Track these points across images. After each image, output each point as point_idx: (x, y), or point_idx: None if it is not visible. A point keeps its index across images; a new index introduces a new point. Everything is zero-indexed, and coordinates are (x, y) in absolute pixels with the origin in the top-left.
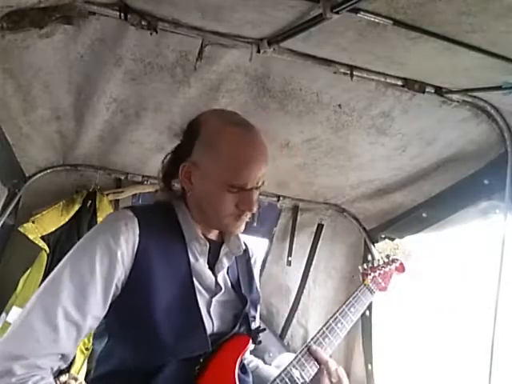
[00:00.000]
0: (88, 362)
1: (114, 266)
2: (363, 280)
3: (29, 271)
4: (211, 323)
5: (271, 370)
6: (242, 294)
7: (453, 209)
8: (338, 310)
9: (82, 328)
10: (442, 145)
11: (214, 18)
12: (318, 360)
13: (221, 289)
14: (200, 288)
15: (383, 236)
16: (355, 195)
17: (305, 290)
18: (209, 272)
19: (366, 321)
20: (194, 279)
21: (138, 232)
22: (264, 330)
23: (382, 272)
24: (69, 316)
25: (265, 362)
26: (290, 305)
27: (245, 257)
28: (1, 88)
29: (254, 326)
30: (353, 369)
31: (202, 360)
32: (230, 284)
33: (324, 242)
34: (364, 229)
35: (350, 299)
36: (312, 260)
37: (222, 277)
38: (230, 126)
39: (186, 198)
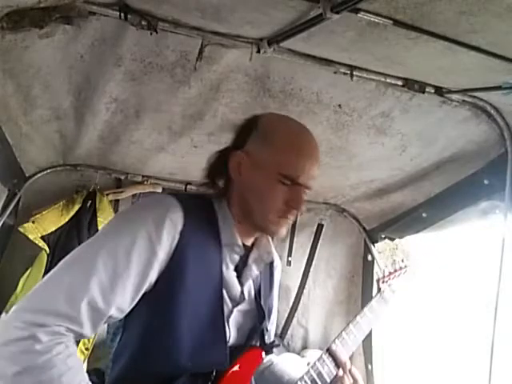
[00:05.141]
0: (88, 362)
1: (151, 262)
2: (378, 288)
3: (29, 271)
4: (228, 334)
5: (287, 367)
6: (260, 304)
7: (453, 209)
8: (351, 321)
9: (103, 316)
10: (442, 145)
11: (214, 18)
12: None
13: (244, 298)
14: (225, 297)
15: (383, 236)
16: (355, 195)
17: (305, 290)
18: (236, 281)
19: None
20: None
21: (180, 229)
22: (278, 345)
23: (396, 275)
24: (93, 303)
25: None
26: (290, 305)
27: (269, 263)
28: (1, 88)
29: (267, 338)
30: None
31: (215, 374)
32: (253, 293)
33: (324, 242)
34: (364, 229)
35: (365, 310)
36: (312, 260)
37: (248, 285)
38: (288, 122)
39: (229, 195)
